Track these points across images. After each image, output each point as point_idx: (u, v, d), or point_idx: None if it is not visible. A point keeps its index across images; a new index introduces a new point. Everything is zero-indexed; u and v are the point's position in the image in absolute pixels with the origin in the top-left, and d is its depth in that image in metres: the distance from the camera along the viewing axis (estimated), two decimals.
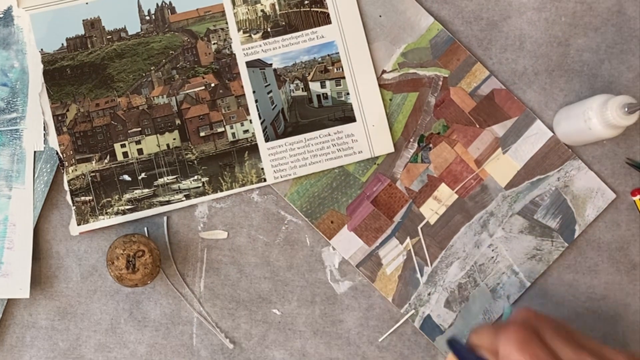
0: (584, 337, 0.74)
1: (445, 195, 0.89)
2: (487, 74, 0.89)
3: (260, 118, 0.89)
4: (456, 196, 0.89)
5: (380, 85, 0.89)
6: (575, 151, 0.89)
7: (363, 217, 0.89)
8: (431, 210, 0.89)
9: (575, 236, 0.89)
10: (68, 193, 0.88)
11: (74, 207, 0.88)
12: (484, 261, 0.89)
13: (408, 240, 0.89)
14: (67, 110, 0.89)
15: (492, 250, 0.89)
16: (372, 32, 0.90)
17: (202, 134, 0.89)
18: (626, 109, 0.78)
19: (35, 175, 0.88)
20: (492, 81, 0.89)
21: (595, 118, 0.80)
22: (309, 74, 0.90)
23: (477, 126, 0.89)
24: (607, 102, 0.79)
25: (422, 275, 0.89)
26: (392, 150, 0.89)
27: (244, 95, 0.89)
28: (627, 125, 0.79)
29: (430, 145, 0.89)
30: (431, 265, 0.89)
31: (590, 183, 0.89)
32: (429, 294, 0.89)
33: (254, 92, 0.89)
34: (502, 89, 0.89)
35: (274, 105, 0.89)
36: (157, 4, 0.90)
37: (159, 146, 0.89)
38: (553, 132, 0.89)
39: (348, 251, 0.89)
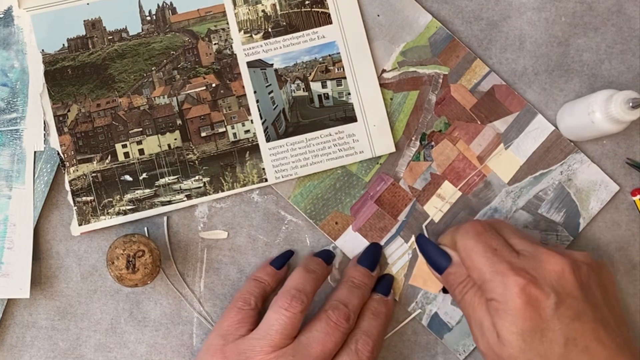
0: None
1: (449, 192, 0.89)
2: (487, 70, 0.90)
3: (261, 118, 0.89)
4: (460, 193, 0.89)
5: (380, 85, 0.90)
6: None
7: (367, 217, 0.89)
8: (435, 208, 0.89)
9: (580, 229, 0.89)
10: (69, 193, 0.88)
11: (75, 208, 0.88)
12: None
13: (413, 238, 0.89)
14: (68, 110, 0.89)
15: None
16: (370, 32, 0.90)
17: (203, 134, 0.89)
18: (630, 104, 0.78)
19: (36, 176, 0.88)
20: (492, 77, 0.90)
21: (598, 112, 0.81)
22: (310, 74, 0.90)
23: (479, 122, 0.90)
24: (611, 97, 0.80)
25: None
26: (393, 150, 0.89)
27: (245, 95, 0.89)
28: (630, 120, 0.79)
29: (432, 143, 0.90)
30: None
31: (593, 176, 0.89)
32: None
33: (255, 92, 0.90)
34: (503, 84, 0.90)
35: (275, 106, 0.90)
36: (158, 5, 0.90)
37: (160, 146, 0.89)
38: (555, 126, 0.89)
39: (354, 252, 0.89)
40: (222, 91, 0.90)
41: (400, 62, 0.90)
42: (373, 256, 0.87)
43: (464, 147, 0.89)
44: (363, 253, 0.88)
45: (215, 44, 0.90)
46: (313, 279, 0.83)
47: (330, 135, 0.89)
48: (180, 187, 0.89)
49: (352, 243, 0.89)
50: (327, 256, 0.88)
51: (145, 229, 0.89)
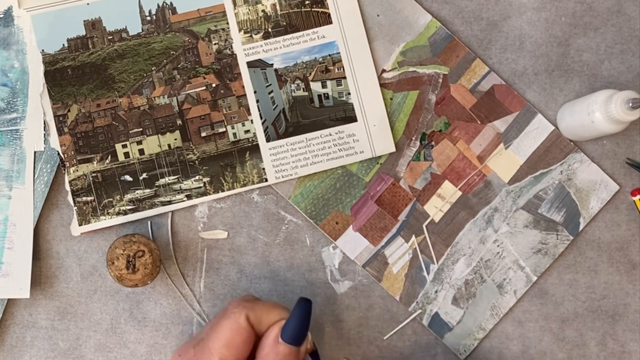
0: None
1: (449, 192, 0.89)
2: (487, 70, 0.90)
3: (261, 118, 0.89)
4: (460, 193, 0.90)
5: (380, 85, 0.90)
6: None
7: (368, 217, 0.89)
8: (435, 208, 0.89)
9: (580, 229, 0.89)
10: (69, 193, 0.88)
11: (76, 208, 0.88)
12: (490, 257, 0.89)
13: (413, 238, 0.89)
14: (68, 110, 0.89)
15: (498, 246, 0.89)
16: (370, 32, 0.90)
17: (203, 134, 0.89)
18: (630, 104, 0.78)
19: (36, 176, 0.88)
20: (492, 77, 0.90)
21: (598, 112, 0.81)
22: (310, 74, 0.90)
23: (479, 122, 0.90)
24: (611, 97, 0.80)
25: (428, 273, 0.89)
26: (394, 149, 0.89)
27: (245, 95, 0.89)
28: (630, 120, 0.79)
29: (433, 143, 0.90)
30: (437, 262, 0.89)
31: (593, 175, 0.89)
32: (436, 292, 0.89)
33: (255, 92, 0.90)
34: (502, 84, 0.90)
35: (275, 105, 0.90)
36: (158, 5, 0.90)
37: (160, 146, 0.89)
38: (555, 126, 0.90)
39: (354, 252, 0.89)
40: (222, 91, 0.90)
41: (400, 62, 0.90)
42: (299, 326, 0.73)
43: (464, 147, 0.90)
44: (287, 323, 0.74)
45: (215, 44, 0.90)
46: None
47: (330, 135, 0.89)
48: (180, 187, 0.89)
49: (352, 243, 0.89)
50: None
51: (149, 227, 0.89)
